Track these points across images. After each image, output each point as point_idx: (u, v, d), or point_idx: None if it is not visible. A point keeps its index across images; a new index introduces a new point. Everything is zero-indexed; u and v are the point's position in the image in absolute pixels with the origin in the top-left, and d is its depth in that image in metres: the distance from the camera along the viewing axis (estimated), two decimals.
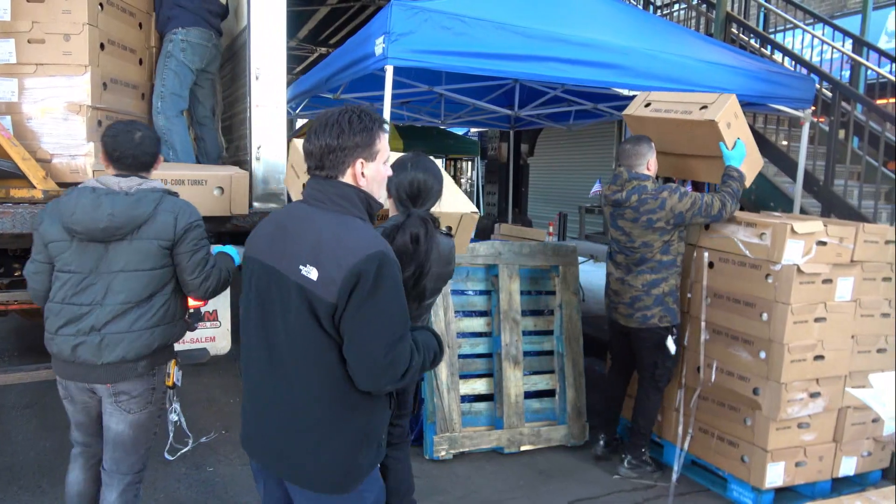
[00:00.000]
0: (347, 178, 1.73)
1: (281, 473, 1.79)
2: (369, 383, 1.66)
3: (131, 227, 2.29)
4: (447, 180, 2.76)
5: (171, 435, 2.79)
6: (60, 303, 2.31)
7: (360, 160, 1.73)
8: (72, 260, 2.30)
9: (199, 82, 3.96)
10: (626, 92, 4.30)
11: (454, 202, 2.78)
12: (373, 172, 1.75)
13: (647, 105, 3.78)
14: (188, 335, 2.73)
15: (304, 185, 2.17)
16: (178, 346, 2.58)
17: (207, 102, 4.12)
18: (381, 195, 1.82)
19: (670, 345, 3.51)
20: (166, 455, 2.85)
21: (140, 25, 3.89)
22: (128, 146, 2.37)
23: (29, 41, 3.24)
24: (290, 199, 3.43)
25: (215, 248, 2.62)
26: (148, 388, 2.40)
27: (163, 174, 2.82)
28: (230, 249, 2.67)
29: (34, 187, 3.09)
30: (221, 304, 4.72)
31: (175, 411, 2.70)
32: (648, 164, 3.51)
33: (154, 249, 2.33)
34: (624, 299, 3.58)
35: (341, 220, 1.69)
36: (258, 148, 3.43)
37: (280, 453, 1.76)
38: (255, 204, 3.45)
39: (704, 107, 3.49)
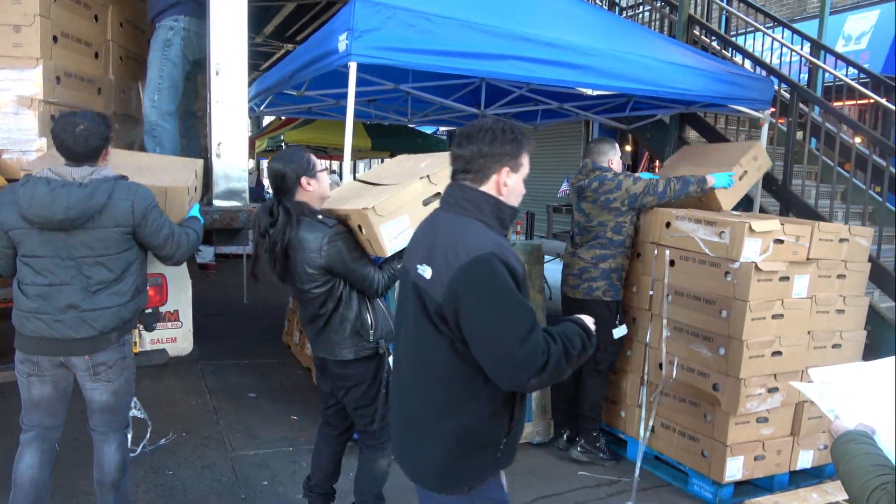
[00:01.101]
0: (490, 186, 1.77)
1: (404, 469, 1.87)
2: (512, 381, 1.63)
3: (87, 216, 2.35)
4: (354, 183, 2.93)
5: (131, 431, 2.75)
6: (32, 284, 2.39)
7: (507, 168, 1.77)
8: (35, 246, 2.38)
9: (188, 76, 3.85)
10: (590, 91, 4.34)
11: (358, 201, 2.62)
12: (514, 183, 1.80)
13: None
14: (147, 336, 2.78)
15: (370, 207, 2.39)
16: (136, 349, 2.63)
17: (191, 99, 4.01)
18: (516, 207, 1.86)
19: (616, 332, 3.72)
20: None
21: (96, 18, 3.79)
22: (70, 139, 2.38)
23: None
24: (259, 199, 3.40)
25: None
26: (120, 357, 2.55)
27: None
28: (195, 211, 2.86)
29: None
30: (183, 304, 4.62)
31: (135, 405, 2.78)
32: (610, 160, 3.83)
33: (116, 236, 2.42)
34: (573, 270, 3.83)
35: (462, 223, 1.74)
36: (219, 144, 3.36)
37: (402, 447, 1.88)
38: (216, 202, 3.38)
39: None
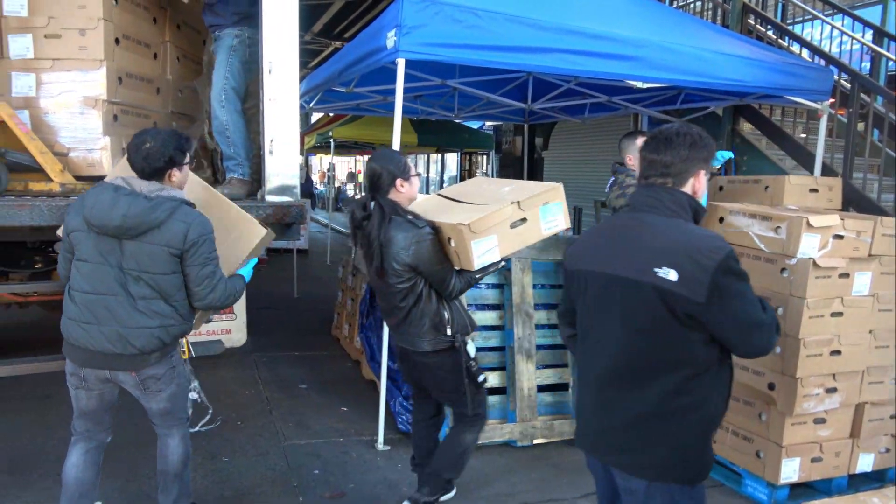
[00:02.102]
0: (687, 187, 1.90)
1: (625, 467, 1.88)
2: (769, 344, 1.84)
3: (142, 229, 2.35)
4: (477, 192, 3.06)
5: (191, 412, 2.87)
6: (79, 291, 2.42)
7: (703, 171, 1.91)
8: (88, 250, 2.40)
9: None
10: (640, 84, 4.26)
11: (448, 216, 2.80)
12: (703, 183, 1.93)
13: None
14: (204, 327, 2.84)
15: (466, 224, 2.57)
16: (193, 338, 2.68)
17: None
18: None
19: None
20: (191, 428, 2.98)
21: (154, 20, 3.92)
22: (136, 158, 2.44)
23: (45, 36, 3.29)
24: (308, 195, 3.45)
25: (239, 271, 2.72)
26: (169, 368, 2.55)
27: None
28: (245, 271, 2.74)
29: (51, 181, 3.14)
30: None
31: (195, 389, 2.86)
32: (629, 157, 3.82)
33: (164, 255, 2.38)
34: None
35: (680, 225, 1.85)
36: (271, 141, 3.44)
37: (628, 447, 1.87)
38: (268, 197, 3.47)
39: None
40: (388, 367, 3.92)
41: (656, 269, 1.76)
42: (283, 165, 3.48)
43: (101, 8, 3.34)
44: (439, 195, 3.24)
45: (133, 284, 2.38)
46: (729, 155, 3.79)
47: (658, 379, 1.81)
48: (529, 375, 3.94)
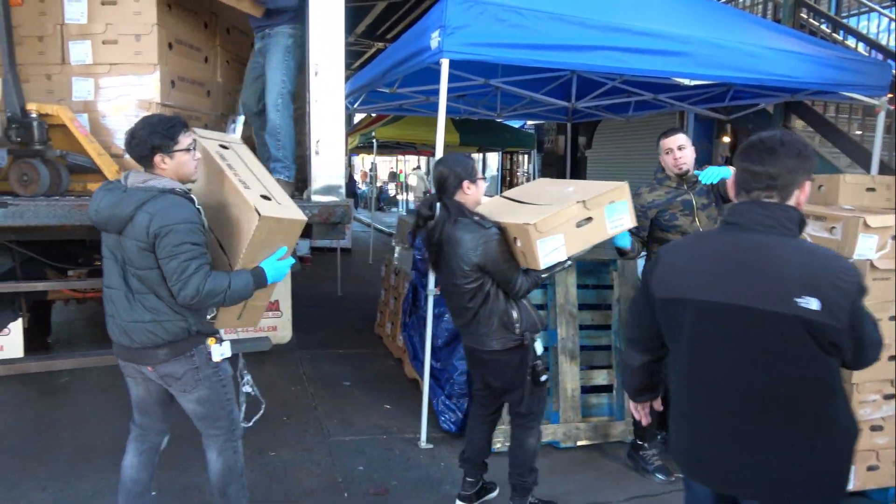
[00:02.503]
0: (792, 201, 1.78)
1: (760, 496, 1.78)
2: (876, 359, 1.78)
3: (116, 223, 2.28)
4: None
5: (244, 406, 2.90)
6: (103, 286, 2.46)
7: (808, 182, 1.80)
8: (104, 246, 2.42)
9: None
10: (687, 82, 4.19)
11: (513, 216, 2.83)
12: (807, 195, 1.82)
13: None
14: (227, 346, 2.68)
15: (532, 223, 2.61)
16: (240, 335, 2.69)
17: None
18: None
19: None
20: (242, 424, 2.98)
21: (205, 25, 4.03)
22: (126, 147, 2.37)
23: (103, 42, 3.41)
24: (351, 194, 3.46)
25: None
26: (190, 369, 2.41)
27: None
28: (270, 265, 2.45)
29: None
30: (283, 295, 4.86)
31: (248, 383, 2.85)
32: (661, 159, 3.59)
33: (136, 249, 2.26)
34: None
35: (807, 246, 1.76)
36: (317, 142, 3.50)
37: (776, 480, 1.75)
38: (314, 197, 3.53)
39: None
40: (431, 366, 3.95)
41: (797, 300, 1.64)
42: (328, 166, 3.53)
43: (154, 14, 3.45)
44: (504, 197, 3.28)
45: (130, 279, 2.33)
46: (727, 173, 3.25)
47: (808, 410, 1.71)
48: (573, 376, 3.91)
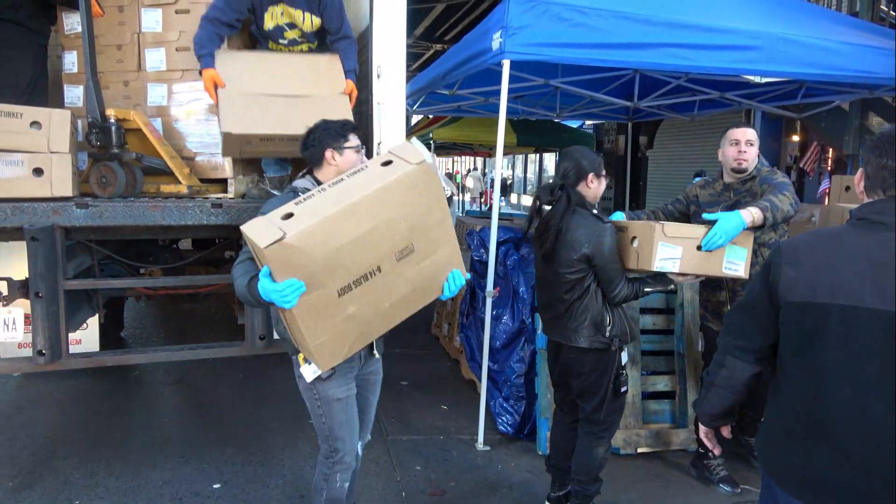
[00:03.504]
0: None
1: None
2: None
3: None
4: None
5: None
6: None
7: None
8: None
9: None
10: (757, 79, 4.04)
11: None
12: None
13: None
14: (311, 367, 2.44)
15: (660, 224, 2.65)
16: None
17: None
18: None
19: None
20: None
21: None
22: (301, 144, 2.49)
23: (176, 49, 3.53)
24: None
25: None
26: (297, 376, 2.43)
27: None
28: (262, 279, 2.00)
29: (180, 183, 3.37)
30: None
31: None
32: (721, 152, 3.38)
33: None
34: None
35: None
36: (379, 144, 3.54)
37: None
38: None
39: None
40: (489, 368, 3.94)
41: None
42: None
43: None
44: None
45: None
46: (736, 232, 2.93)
47: None
48: (634, 382, 3.83)
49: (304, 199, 2.10)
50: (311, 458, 3.63)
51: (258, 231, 1.97)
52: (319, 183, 2.41)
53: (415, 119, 13.74)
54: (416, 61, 14.30)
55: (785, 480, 1.75)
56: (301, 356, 2.38)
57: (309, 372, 2.36)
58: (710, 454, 3.48)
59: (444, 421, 4.24)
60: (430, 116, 11.09)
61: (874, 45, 4.02)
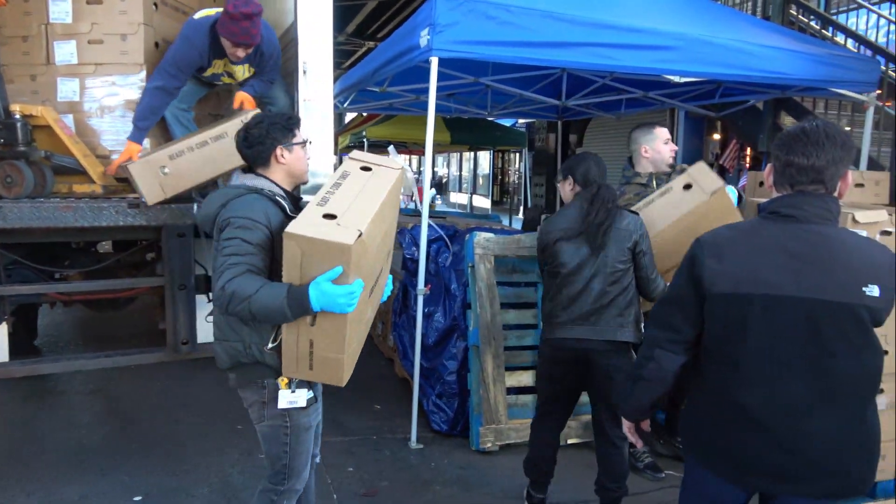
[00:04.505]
0: (836, 192, 1.77)
1: (819, 494, 1.74)
2: None
3: (207, 224, 2.16)
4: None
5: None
6: None
7: (849, 172, 1.78)
8: None
9: None
10: (677, 79, 4.18)
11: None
12: (849, 185, 1.80)
13: None
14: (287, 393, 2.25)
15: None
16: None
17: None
18: None
19: None
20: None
21: None
22: (240, 143, 2.26)
23: (89, 42, 3.37)
24: None
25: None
26: (258, 401, 2.18)
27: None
28: (318, 288, 1.86)
29: (94, 182, 3.23)
30: None
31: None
32: (643, 149, 3.59)
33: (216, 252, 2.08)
34: None
35: (858, 235, 1.82)
36: (307, 141, 3.47)
37: (832, 473, 1.72)
38: (304, 197, 3.49)
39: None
40: (422, 365, 3.93)
41: (864, 288, 1.65)
42: (318, 165, 3.50)
43: (141, 13, 3.40)
44: None
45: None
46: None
47: (868, 398, 1.73)
48: None
49: (327, 194, 1.94)
50: (238, 465, 3.54)
51: (325, 230, 1.81)
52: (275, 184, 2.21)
53: (348, 117, 13.61)
54: (348, 59, 14.17)
55: (711, 461, 1.84)
56: (283, 381, 2.11)
57: (285, 399, 2.14)
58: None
59: (378, 421, 4.20)
60: (364, 114, 10.99)
61: (785, 48, 4.23)
